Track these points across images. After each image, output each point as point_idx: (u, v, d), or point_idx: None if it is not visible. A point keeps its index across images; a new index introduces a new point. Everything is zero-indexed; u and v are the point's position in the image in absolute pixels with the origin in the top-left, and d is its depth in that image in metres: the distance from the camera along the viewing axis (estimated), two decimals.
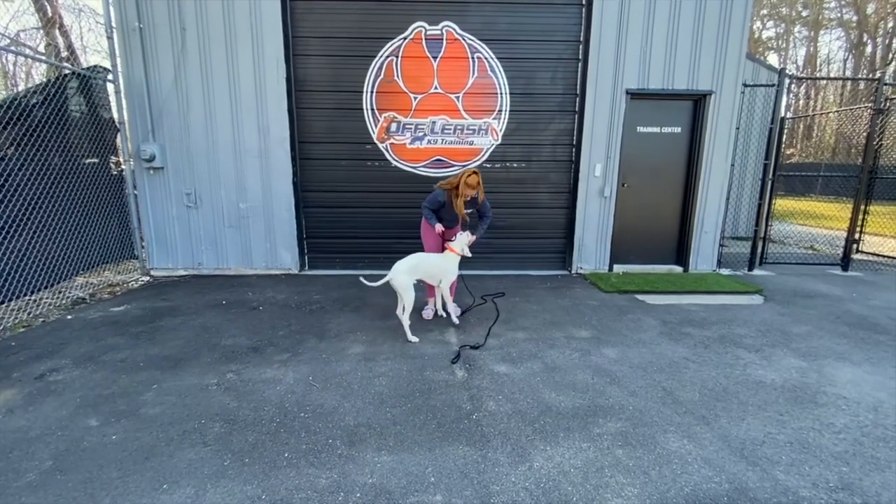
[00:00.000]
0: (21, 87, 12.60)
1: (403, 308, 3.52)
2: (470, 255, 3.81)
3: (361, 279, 3.62)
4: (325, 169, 5.50)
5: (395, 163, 5.52)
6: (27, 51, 10.99)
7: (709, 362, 3.17)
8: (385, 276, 3.49)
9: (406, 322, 3.52)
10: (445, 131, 5.46)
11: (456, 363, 3.12)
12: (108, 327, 3.75)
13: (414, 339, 3.51)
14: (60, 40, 12.23)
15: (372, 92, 5.35)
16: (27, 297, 4.19)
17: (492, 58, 5.33)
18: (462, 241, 3.76)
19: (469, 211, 3.86)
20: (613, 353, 3.32)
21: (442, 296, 3.91)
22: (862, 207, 6.36)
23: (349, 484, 1.93)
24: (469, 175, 3.63)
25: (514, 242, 5.75)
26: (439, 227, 3.79)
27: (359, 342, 3.48)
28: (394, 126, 5.43)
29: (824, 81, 24.46)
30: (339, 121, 5.40)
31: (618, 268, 5.73)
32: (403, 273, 3.51)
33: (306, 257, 5.73)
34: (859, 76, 24.39)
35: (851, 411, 2.54)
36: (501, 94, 5.42)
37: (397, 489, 1.90)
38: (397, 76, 5.33)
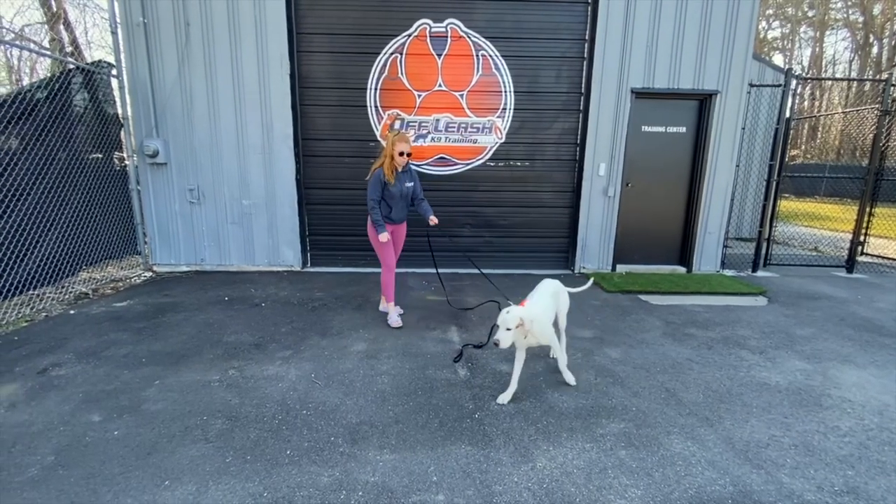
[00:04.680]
0: (26, 82, 12.61)
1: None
2: None
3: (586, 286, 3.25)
4: (329, 166, 5.49)
5: None
6: (32, 46, 11.00)
7: (712, 363, 3.15)
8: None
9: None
10: (449, 129, 5.44)
11: (458, 362, 3.11)
12: (111, 322, 3.75)
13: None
14: (65, 35, 12.26)
15: (376, 89, 5.33)
16: (30, 292, 4.20)
17: (496, 55, 5.30)
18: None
19: (410, 185, 3.69)
20: (616, 353, 3.30)
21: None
22: (867, 209, 6.32)
23: (351, 482, 1.93)
24: (396, 133, 3.53)
25: (517, 241, 5.73)
26: (385, 237, 3.56)
27: (361, 340, 3.47)
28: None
29: (829, 82, 24.31)
30: (343, 118, 5.38)
31: (621, 268, 5.70)
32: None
33: (309, 254, 5.72)
34: (865, 77, 24.25)
35: (856, 414, 2.52)
36: (506, 92, 5.39)
37: (399, 488, 1.90)
38: (401, 73, 5.31)
